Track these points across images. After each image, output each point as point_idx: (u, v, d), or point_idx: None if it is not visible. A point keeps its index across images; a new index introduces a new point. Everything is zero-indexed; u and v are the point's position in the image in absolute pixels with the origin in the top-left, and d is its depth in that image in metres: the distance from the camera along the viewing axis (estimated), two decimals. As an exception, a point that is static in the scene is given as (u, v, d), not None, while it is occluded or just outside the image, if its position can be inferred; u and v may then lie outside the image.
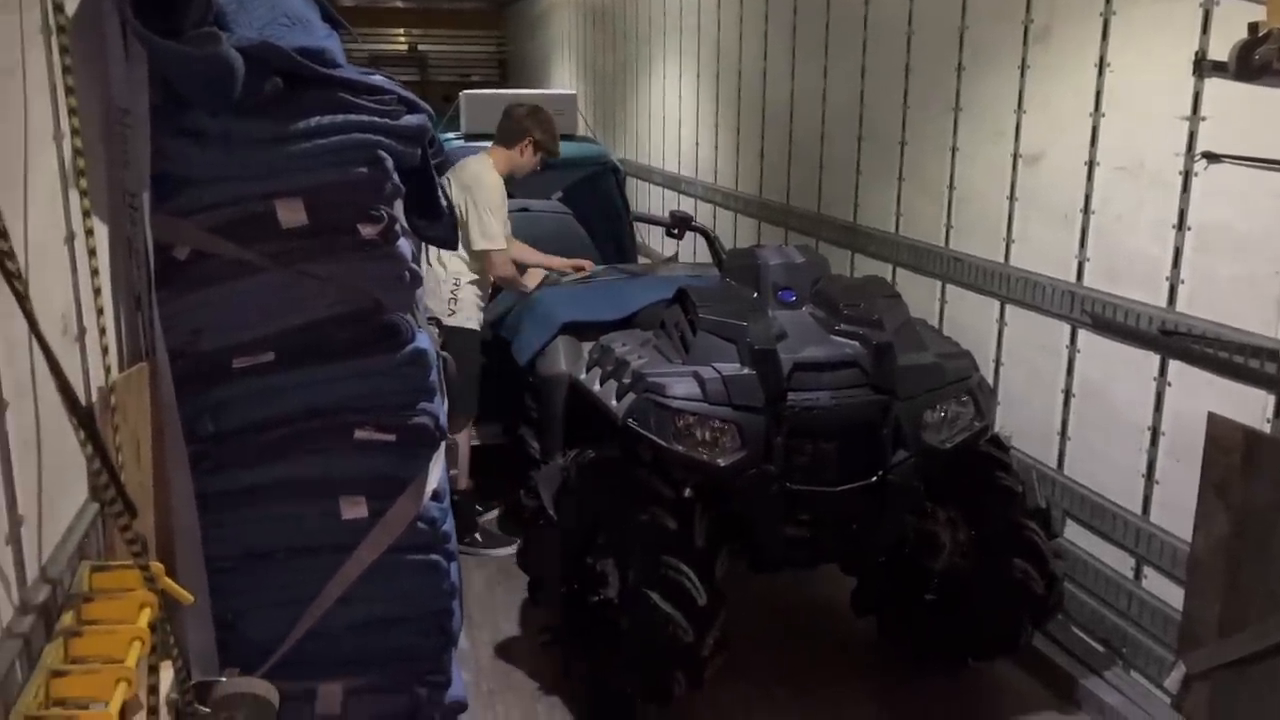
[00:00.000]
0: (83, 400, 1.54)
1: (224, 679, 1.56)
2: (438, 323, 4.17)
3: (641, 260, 5.79)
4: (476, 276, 4.22)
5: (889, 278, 4.45)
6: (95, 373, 1.60)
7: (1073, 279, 3.45)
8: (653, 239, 7.19)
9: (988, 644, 3.32)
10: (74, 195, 1.55)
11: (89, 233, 1.55)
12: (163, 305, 1.87)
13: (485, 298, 4.29)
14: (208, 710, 1.47)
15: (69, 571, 1.42)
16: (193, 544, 1.91)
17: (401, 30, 16.02)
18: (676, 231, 4.47)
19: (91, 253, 1.55)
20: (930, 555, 3.33)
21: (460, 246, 4.10)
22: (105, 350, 1.60)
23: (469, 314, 4.20)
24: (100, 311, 1.59)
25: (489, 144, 4.39)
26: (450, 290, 4.14)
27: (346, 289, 2.03)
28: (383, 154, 2.00)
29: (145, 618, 1.36)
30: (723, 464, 2.91)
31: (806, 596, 3.93)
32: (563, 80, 11.89)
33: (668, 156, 8.13)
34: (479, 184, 4.15)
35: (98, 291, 1.57)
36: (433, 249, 3.91)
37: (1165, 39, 2.99)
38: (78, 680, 1.27)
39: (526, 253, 4.54)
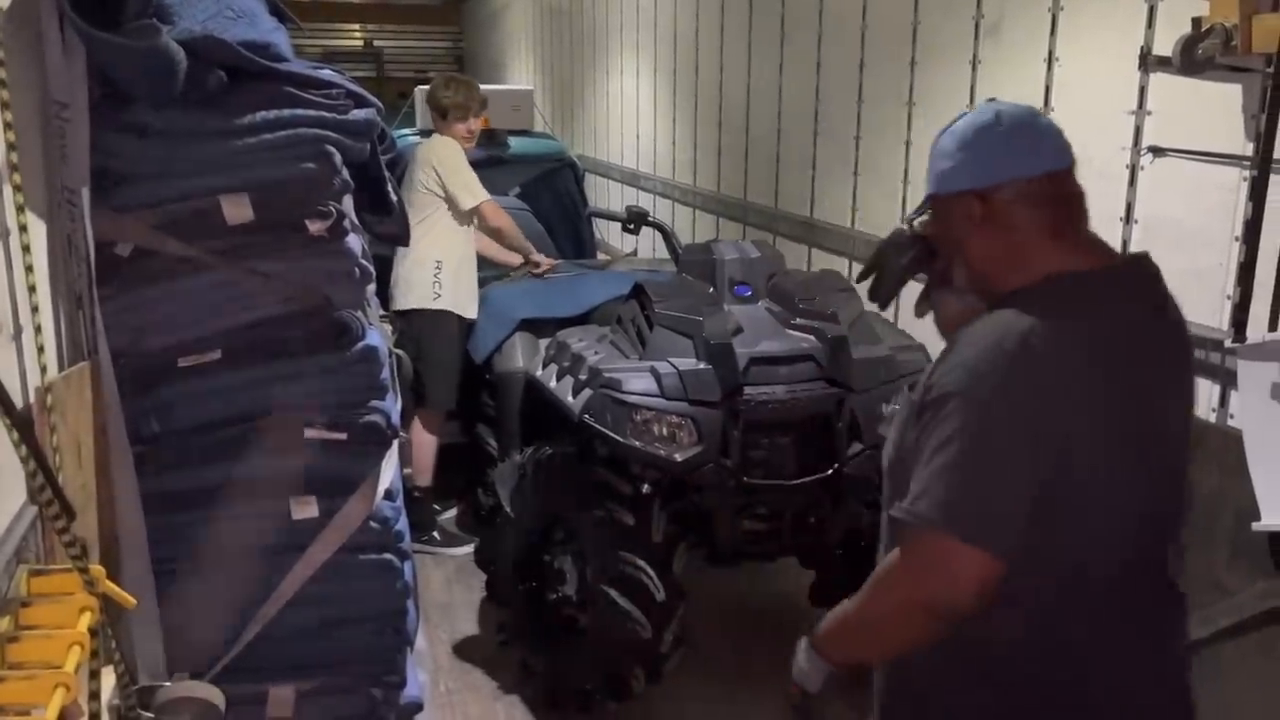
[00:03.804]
0: (20, 401, 1.50)
1: (167, 684, 1.53)
2: (399, 316, 4.14)
3: (600, 257, 5.78)
4: (461, 257, 4.17)
5: (845, 272, 4.48)
6: (32, 373, 1.56)
7: (1024, 272, 3.49)
8: (611, 235, 7.19)
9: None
10: (7, 191, 1.51)
11: (23, 228, 1.51)
12: (105, 304, 1.83)
13: (473, 282, 4.22)
14: (151, 715, 1.45)
15: (6, 576, 1.39)
16: (138, 546, 1.87)
17: (357, 26, 15.89)
18: (632, 226, 4.46)
19: (26, 249, 1.52)
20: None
21: (433, 230, 4.08)
22: (42, 349, 1.57)
23: (454, 298, 4.13)
24: (36, 309, 1.55)
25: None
26: (433, 274, 4.09)
27: (295, 286, 2.00)
28: (330, 149, 1.97)
29: (85, 622, 1.33)
30: (679, 459, 2.91)
31: (765, 590, 3.95)
32: (520, 76, 11.85)
33: (626, 152, 8.13)
34: (438, 152, 4.15)
35: (33, 289, 1.54)
36: (414, 237, 3.86)
37: (1111, 34, 3.04)
38: (15, 686, 1.24)
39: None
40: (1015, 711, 1.47)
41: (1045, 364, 1.34)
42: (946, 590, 1.34)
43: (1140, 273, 1.51)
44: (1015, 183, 1.44)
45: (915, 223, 1.60)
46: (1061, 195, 1.46)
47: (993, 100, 1.54)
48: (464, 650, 3.58)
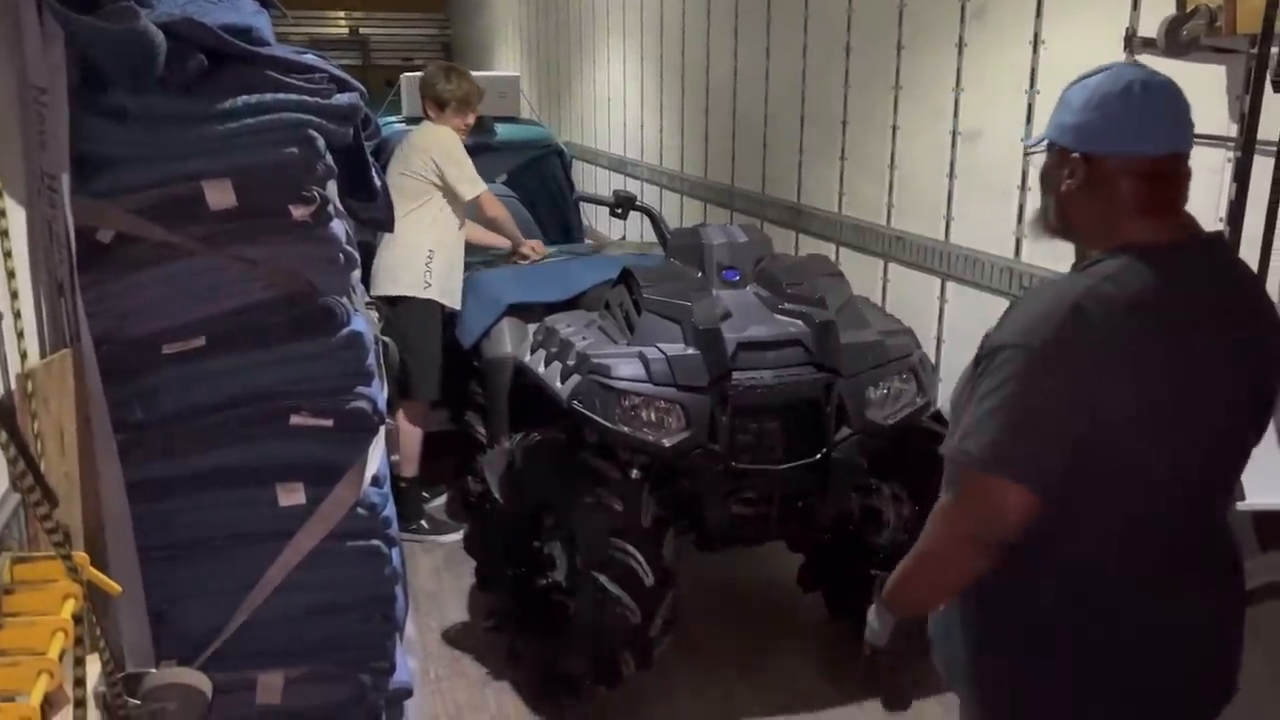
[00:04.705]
0: (0, 388, 1.49)
1: (154, 670, 1.53)
2: (385, 303, 4.13)
3: (587, 242, 5.77)
4: (453, 248, 4.14)
5: (832, 257, 4.48)
6: (13, 360, 1.55)
7: (1011, 255, 3.50)
8: (599, 221, 7.17)
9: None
10: (-13, 176, 1.49)
11: (2, 214, 1.50)
12: (87, 290, 1.81)
13: (460, 273, 4.20)
14: (137, 702, 1.44)
15: (-11, 564, 1.38)
16: (124, 534, 1.86)
17: (342, 13, 15.77)
18: (620, 211, 4.45)
19: (5, 234, 1.50)
20: (875, 530, 3.36)
21: (426, 219, 4.06)
22: (21, 335, 1.55)
23: (443, 288, 4.11)
24: (15, 296, 1.54)
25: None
26: (425, 264, 4.06)
27: (279, 272, 1.98)
28: (313, 133, 1.95)
29: (69, 609, 1.32)
30: (668, 444, 2.91)
31: (753, 574, 3.96)
32: (507, 63, 11.79)
33: (613, 139, 8.10)
34: (438, 141, 4.11)
35: (12, 275, 1.52)
36: (401, 227, 3.84)
37: (1097, 15, 3.04)
38: (-2, 674, 1.23)
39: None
40: (1058, 671, 1.57)
41: (1093, 326, 1.44)
42: (990, 523, 1.49)
43: (1209, 250, 1.58)
44: (1123, 157, 1.51)
45: (1030, 151, 1.67)
46: (1166, 176, 1.52)
47: (1136, 64, 1.58)
48: (453, 637, 3.58)
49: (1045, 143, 1.61)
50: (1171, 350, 1.49)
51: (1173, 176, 1.53)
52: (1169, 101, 1.52)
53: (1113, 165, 1.51)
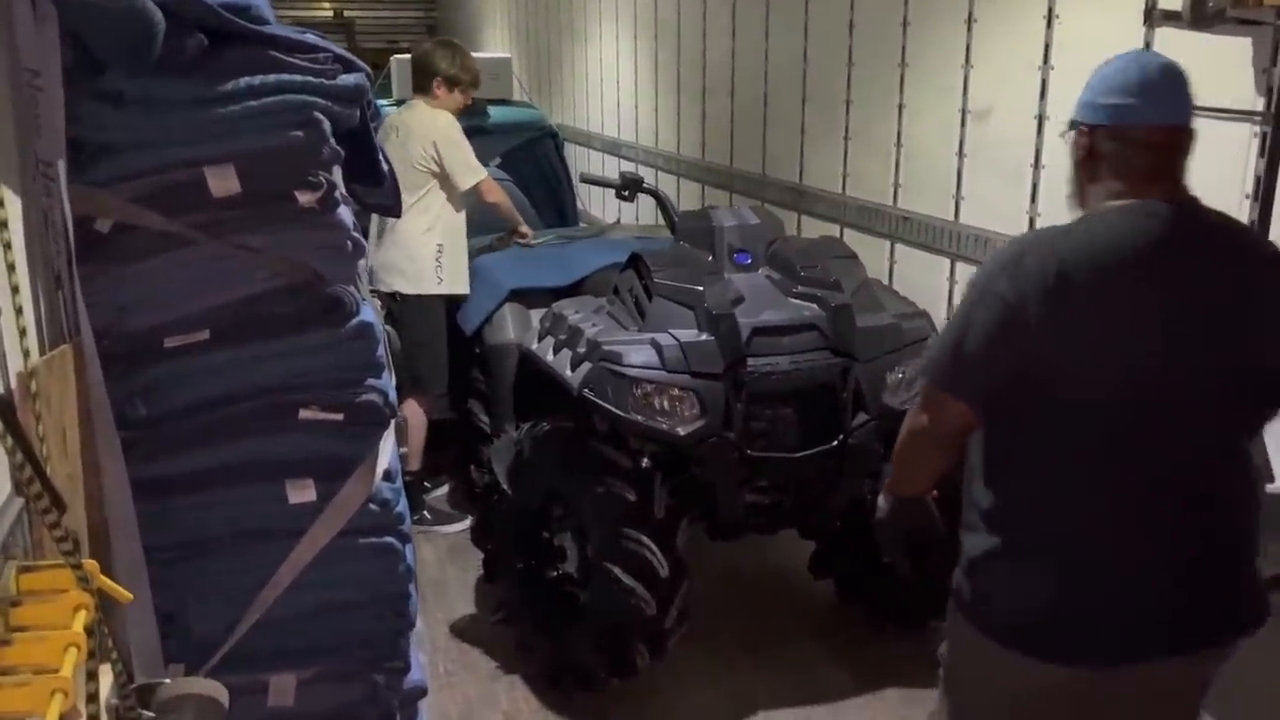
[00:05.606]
0: (0, 387, 1.42)
1: (168, 680, 1.46)
2: (390, 298, 4.05)
3: (583, 226, 5.70)
4: (459, 238, 4.07)
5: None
6: (13, 357, 1.47)
7: (1025, 235, 3.44)
8: (593, 205, 7.08)
9: (946, 603, 3.33)
10: (-20, 164, 1.41)
11: (-1, 203, 1.42)
12: (86, 282, 1.73)
13: (465, 260, 4.13)
14: (152, 715, 1.37)
15: (-7, 573, 1.31)
16: (129, 537, 1.78)
17: (326, -4, 15.57)
18: (627, 193, 4.36)
19: (3, 225, 1.42)
20: (889, 516, 3.31)
21: (429, 211, 3.98)
22: (23, 332, 1.48)
23: (454, 280, 4.04)
24: (15, 289, 1.46)
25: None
26: (435, 258, 3.99)
27: (284, 261, 1.91)
28: (319, 116, 1.87)
29: (80, 621, 1.25)
30: (682, 433, 2.85)
31: (763, 561, 3.91)
32: (494, 45, 11.66)
33: (607, 121, 8.01)
34: (438, 127, 4.02)
35: (11, 267, 1.44)
36: (406, 221, 3.76)
37: (1115, -12, 2.97)
38: (9, 693, 1.15)
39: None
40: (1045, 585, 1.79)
41: (1027, 272, 1.62)
42: (931, 426, 1.77)
43: (1192, 213, 1.72)
44: (1118, 127, 1.68)
45: (1064, 133, 1.81)
46: (1156, 145, 1.68)
47: (1148, 50, 1.78)
48: (461, 630, 3.53)
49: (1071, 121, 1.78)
50: (1109, 298, 1.62)
51: (1164, 147, 1.69)
52: (1168, 81, 1.68)
53: (1109, 135, 1.69)
